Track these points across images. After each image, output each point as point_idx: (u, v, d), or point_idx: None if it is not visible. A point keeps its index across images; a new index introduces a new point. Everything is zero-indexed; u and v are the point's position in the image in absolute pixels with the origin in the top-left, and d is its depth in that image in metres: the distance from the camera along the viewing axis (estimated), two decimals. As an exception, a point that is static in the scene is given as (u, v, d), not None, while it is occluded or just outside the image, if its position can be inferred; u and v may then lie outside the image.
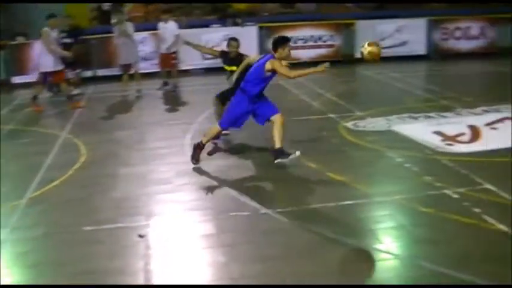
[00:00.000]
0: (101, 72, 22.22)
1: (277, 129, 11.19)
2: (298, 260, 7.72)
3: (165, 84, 19.96)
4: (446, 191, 9.85)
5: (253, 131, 13.17)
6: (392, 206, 9.51)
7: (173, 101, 18.41)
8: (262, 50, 23.10)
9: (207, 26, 23.62)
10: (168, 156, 12.31)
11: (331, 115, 14.87)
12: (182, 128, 14.39)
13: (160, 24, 19.82)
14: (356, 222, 8.86)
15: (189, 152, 12.14)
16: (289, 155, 11.07)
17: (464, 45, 25.94)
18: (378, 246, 8.18)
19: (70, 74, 19.37)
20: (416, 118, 14.44)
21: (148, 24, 22.38)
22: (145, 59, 21.72)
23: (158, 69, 21.12)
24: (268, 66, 10.88)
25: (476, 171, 10.74)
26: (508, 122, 14.00)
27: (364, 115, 14.77)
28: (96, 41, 22.16)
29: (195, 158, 11.51)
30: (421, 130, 13.44)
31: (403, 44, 24.72)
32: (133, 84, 19.59)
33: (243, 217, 9.09)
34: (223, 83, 17.92)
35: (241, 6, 25.04)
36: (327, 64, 10.87)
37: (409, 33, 24.98)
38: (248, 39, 22.79)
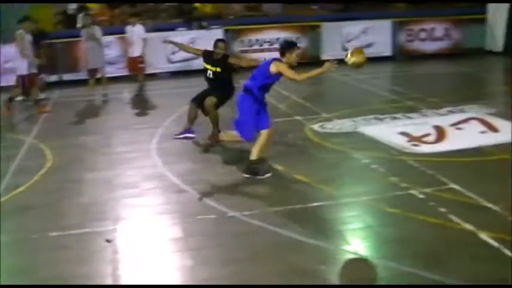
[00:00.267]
0: (67, 76, 22.06)
1: (260, 143, 11.02)
2: (265, 263, 7.74)
3: (142, 87, 19.84)
4: (413, 192, 9.92)
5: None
6: (359, 207, 9.57)
7: (140, 105, 18.34)
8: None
9: (173, 29, 23.54)
10: (135, 161, 12.27)
11: (298, 117, 14.90)
12: (149, 132, 14.35)
13: (128, 28, 19.74)
14: (323, 224, 8.90)
15: (155, 156, 12.16)
16: (257, 173, 10.93)
17: (429, 46, 26.10)
18: (346, 247, 8.22)
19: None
20: (382, 119, 14.52)
21: (114, 28, 22.29)
22: (111, 63, 21.60)
23: (126, 73, 21.06)
24: (273, 68, 10.62)
25: (441, 171, 10.83)
26: (473, 122, 14.12)
27: (330, 117, 14.81)
28: (61, 45, 22.00)
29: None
30: (387, 131, 13.52)
31: (369, 45, 24.76)
32: (99, 88, 19.49)
33: (211, 220, 9.09)
34: (190, 86, 17.94)
35: (207, 9, 25.00)
36: (334, 62, 10.46)
37: (374, 35, 25.08)
38: (210, 42, 22.81)
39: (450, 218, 8.84)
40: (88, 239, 8.61)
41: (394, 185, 10.30)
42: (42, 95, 18.73)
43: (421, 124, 14.01)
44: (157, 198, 10.22)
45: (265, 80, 10.80)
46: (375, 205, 9.55)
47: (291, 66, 10.74)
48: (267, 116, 11.17)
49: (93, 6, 23.90)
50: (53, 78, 21.64)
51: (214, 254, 8.06)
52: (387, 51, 25.16)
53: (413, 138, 12.92)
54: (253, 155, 10.97)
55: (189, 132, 13.61)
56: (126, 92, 19.89)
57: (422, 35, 26.05)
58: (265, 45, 23.83)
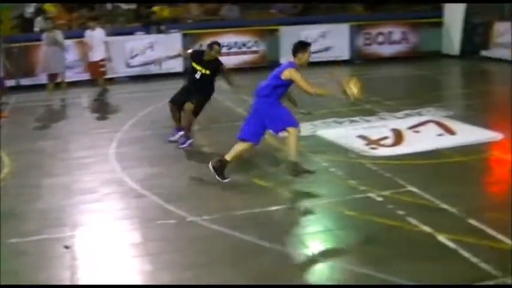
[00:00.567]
0: (24, 81, 21.88)
1: (293, 142, 10.53)
2: (225, 267, 7.74)
3: (104, 91, 19.66)
4: (371, 194, 9.99)
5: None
6: (318, 210, 9.60)
7: (99, 110, 18.22)
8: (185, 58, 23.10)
9: (131, 33, 23.47)
10: (93, 166, 12.21)
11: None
12: (108, 136, 14.27)
13: (87, 32, 19.50)
14: (282, 228, 8.93)
15: (114, 160, 12.11)
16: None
17: (387, 49, 26.31)
18: (305, 250, 8.26)
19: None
20: (340, 123, 14.60)
21: (71, 32, 22.12)
22: (69, 67, 21.42)
23: (85, 78, 20.96)
24: (286, 74, 10.45)
25: (399, 174, 10.92)
26: (430, 125, 14.24)
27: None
28: (18, 49, 21.80)
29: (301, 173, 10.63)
30: (346, 134, 13.59)
31: (327, 49, 24.94)
32: (58, 93, 19.33)
33: (170, 225, 9.07)
34: (149, 91, 17.92)
35: (165, 13, 24.95)
36: (351, 97, 10.42)
37: (332, 39, 25.22)
38: (172, 46, 22.75)
39: (408, 220, 8.91)
40: (46, 245, 8.54)
41: (353, 188, 10.36)
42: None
43: (379, 127, 14.12)
44: (116, 203, 10.17)
45: (277, 82, 10.59)
46: (333, 208, 9.60)
47: (303, 67, 10.67)
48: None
49: (51, 10, 23.70)
50: (10, 83, 21.41)
51: (174, 258, 8.05)
52: (345, 55, 25.32)
53: (371, 142, 13.01)
54: (292, 156, 10.58)
55: (179, 131, 13.52)
56: (85, 96, 19.76)
57: (380, 38, 26.27)
58: (224, 50, 23.75)
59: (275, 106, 10.61)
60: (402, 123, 14.44)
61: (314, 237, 8.72)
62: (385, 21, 26.55)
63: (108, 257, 8.17)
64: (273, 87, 10.58)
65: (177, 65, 22.95)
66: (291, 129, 10.43)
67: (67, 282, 7.48)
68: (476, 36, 26.35)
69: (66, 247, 8.39)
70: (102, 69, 19.47)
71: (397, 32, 26.50)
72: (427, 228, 8.60)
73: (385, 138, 13.26)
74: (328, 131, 13.93)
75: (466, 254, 7.79)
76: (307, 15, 26.67)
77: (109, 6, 25.56)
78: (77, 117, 17.08)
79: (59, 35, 19.05)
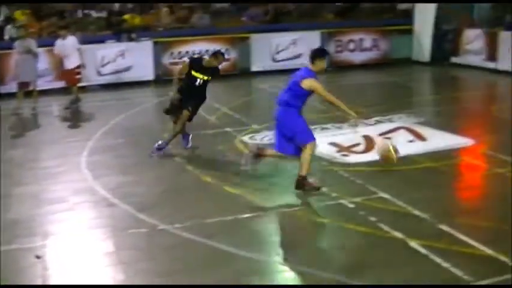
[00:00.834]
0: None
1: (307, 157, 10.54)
2: (197, 275, 7.74)
3: (77, 100, 19.50)
4: (343, 201, 10.03)
5: (151, 146, 13.16)
6: (289, 217, 9.64)
7: (70, 118, 18.07)
8: (157, 64, 23.04)
9: (102, 41, 23.35)
10: (64, 175, 12.12)
11: (228, 129, 14.91)
12: (79, 145, 14.16)
13: (58, 41, 19.26)
14: (254, 235, 8.95)
15: (85, 169, 12.06)
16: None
17: (358, 56, 26.37)
18: (276, 257, 8.28)
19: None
20: (312, 130, 14.57)
21: (42, 41, 21.94)
22: (39, 75, 21.23)
23: (55, 86, 20.82)
24: (307, 84, 10.41)
25: (371, 180, 10.97)
26: (401, 132, 14.31)
27: (260, 128, 14.85)
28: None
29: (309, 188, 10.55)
30: (317, 142, 13.55)
31: (298, 56, 24.96)
32: (30, 101, 19.14)
33: (142, 234, 9.05)
34: (121, 99, 17.88)
35: (136, 21, 24.86)
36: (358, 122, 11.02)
37: (303, 46, 25.18)
38: (143, 54, 22.75)
39: (380, 227, 8.96)
40: (18, 255, 8.48)
41: (325, 195, 10.38)
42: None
43: (350, 134, 14.13)
44: (87, 212, 10.11)
45: (298, 90, 10.49)
46: (305, 215, 9.65)
47: (319, 74, 10.70)
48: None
49: (21, 18, 23.53)
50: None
51: (146, 267, 8.04)
52: (316, 62, 25.38)
53: (342, 149, 13.05)
54: (303, 171, 10.50)
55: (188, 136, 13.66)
56: (56, 105, 19.61)
57: (351, 45, 26.32)
58: (195, 57, 23.78)
59: (295, 118, 10.55)
60: (373, 130, 14.48)
61: (286, 244, 8.75)
62: (356, 29, 26.62)
63: (80, 267, 8.13)
64: (294, 96, 10.49)
65: (148, 73, 22.89)
66: (308, 145, 10.49)
67: (38, 293, 7.44)
68: (446, 43, 26.54)
69: (38, 257, 8.34)
70: (78, 76, 19.32)
71: (368, 39, 26.58)
72: (398, 234, 8.65)
73: (357, 145, 13.31)
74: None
75: (437, 259, 7.86)
76: (278, 23, 26.70)
77: (79, 14, 25.44)
78: (48, 126, 16.95)
79: (32, 43, 18.89)
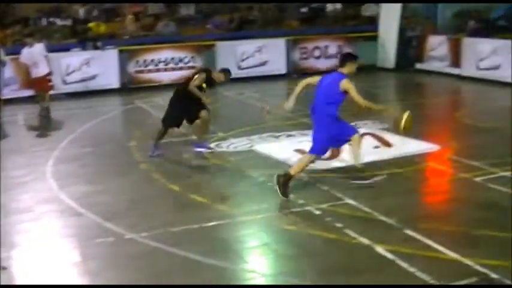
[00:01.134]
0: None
1: (355, 148, 11.07)
2: (164, 284, 7.70)
3: (47, 109, 19.27)
4: (309, 208, 10.05)
5: (117, 154, 13.12)
6: (256, 224, 9.65)
7: (35, 128, 17.91)
8: (123, 73, 22.97)
9: (67, 49, 23.23)
10: (29, 184, 12.03)
11: (194, 137, 14.86)
12: (44, 154, 14.06)
13: (25, 50, 18.99)
14: (220, 243, 8.93)
15: (51, 179, 11.98)
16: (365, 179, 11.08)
17: (323, 63, 26.44)
18: (243, 265, 8.28)
19: None
20: (277, 137, 14.64)
21: (7, 49, 21.73)
22: (5, 84, 21.03)
23: (20, 95, 20.67)
24: (344, 85, 10.68)
25: (337, 186, 11.03)
26: (366, 138, 14.34)
27: (226, 136, 14.84)
28: None
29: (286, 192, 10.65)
30: (283, 149, 13.64)
31: (264, 63, 25.04)
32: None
33: (108, 243, 9.00)
34: (87, 107, 17.81)
35: (101, 29, 24.79)
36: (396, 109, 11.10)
37: (269, 53, 25.31)
38: (108, 62, 22.67)
39: (346, 233, 8.99)
40: (-18, 267, 8.41)
41: (291, 202, 10.41)
42: None
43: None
44: (53, 222, 10.05)
45: (337, 92, 10.76)
46: (271, 222, 9.65)
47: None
48: (346, 125, 11.29)
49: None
50: None
51: (113, 277, 8.00)
52: (282, 69, 25.39)
53: (308, 155, 13.07)
54: (357, 161, 11.04)
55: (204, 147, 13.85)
56: (21, 114, 19.47)
57: (316, 52, 26.43)
58: (161, 65, 23.77)
59: (335, 121, 10.92)
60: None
61: (253, 251, 8.77)
62: (321, 36, 26.75)
63: (47, 277, 8.06)
64: (333, 99, 10.81)
65: (114, 81, 22.82)
66: (353, 138, 10.90)
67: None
68: (410, 49, 26.77)
69: (3, 268, 8.26)
70: (50, 83, 19.11)
71: (333, 46, 26.71)
72: (365, 240, 8.68)
73: (323, 151, 13.33)
74: (265, 146, 13.97)
75: (403, 264, 7.90)
76: (244, 30, 26.75)
77: (44, 22, 25.30)
78: (13, 135, 16.78)
79: (1, 52, 18.72)
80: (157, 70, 23.64)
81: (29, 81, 19.76)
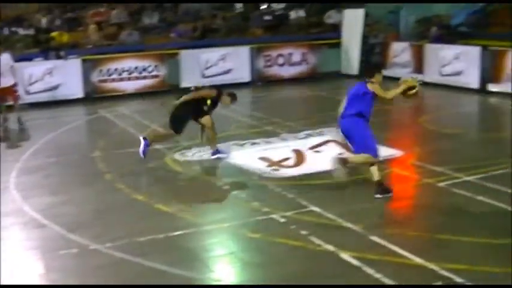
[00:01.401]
0: None
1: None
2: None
3: (5, 119, 19.01)
4: (274, 216, 10.05)
5: (81, 164, 13.03)
6: (221, 233, 9.63)
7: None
8: (86, 82, 22.82)
9: (29, 59, 23.04)
10: (-8, 196, 11.91)
11: (158, 146, 14.79)
12: (7, 165, 13.86)
13: None
14: (186, 252, 8.91)
15: (14, 190, 11.88)
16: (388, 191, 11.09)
17: (287, 71, 26.50)
18: (210, 275, 8.28)
19: None
20: (242, 145, 14.63)
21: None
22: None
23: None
24: (370, 88, 11.08)
25: (301, 194, 11.05)
26: (331, 145, 14.41)
27: (190, 145, 14.76)
28: None
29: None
30: (247, 156, 13.65)
31: (228, 72, 25.02)
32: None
33: (73, 254, 8.94)
34: (49, 117, 17.68)
35: (64, 38, 24.63)
36: (417, 79, 11.59)
37: (232, 61, 25.30)
38: (72, 72, 22.50)
39: (311, 240, 9.01)
40: None
41: (256, 210, 10.41)
42: None
43: (281, 148, 14.22)
44: (17, 234, 9.93)
45: (370, 105, 11.19)
46: (237, 231, 9.65)
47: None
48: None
49: None
50: None
51: (77, 288, 7.95)
52: (246, 77, 25.37)
53: (273, 163, 13.09)
54: (376, 176, 11.06)
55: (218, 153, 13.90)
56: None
57: (280, 60, 26.44)
58: (124, 74, 23.63)
59: (365, 127, 11.18)
60: (303, 143, 14.57)
61: (219, 260, 8.75)
62: (284, 43, 26.78)
63: (10, 290, 8.00)
64: (363, 105, 11.16)
65: (77, 91, 22.66)
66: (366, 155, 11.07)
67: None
68: (374, 56, 26.90)
69: (-35, 281, 8.18)
70: (16, 93, 18.91)
71: (297, 54, 26.75)
72: (330, 247, 8.71)
73: (287, 159, 13.38)
74: (230, 154, 13.94)
75: (369, 271, 7.94)
76: (207, 39, 26.75)
77: (6, 31, 25.08)
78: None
79: None
80: (121, 79, 23.51)
81: None
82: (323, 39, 27.51)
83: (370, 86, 11.08)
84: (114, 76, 23.49)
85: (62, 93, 22.39)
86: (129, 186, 11.87)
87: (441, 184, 11.49)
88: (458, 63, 22.61)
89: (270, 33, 28.07)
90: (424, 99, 21.23)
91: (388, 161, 13.14)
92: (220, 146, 14.03)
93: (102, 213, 10.72)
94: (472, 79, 22.00)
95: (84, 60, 23.15)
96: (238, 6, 28.84)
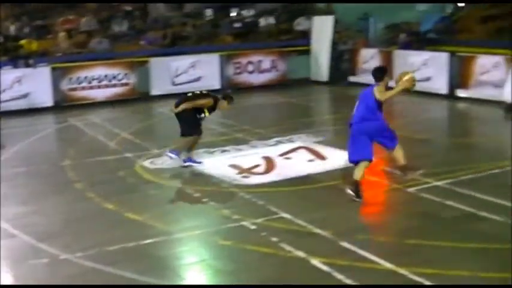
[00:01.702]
0: None
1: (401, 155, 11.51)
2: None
3: None
4: (244, 223, 10.07)
5: (51, 174, 12.97)
6: (192, 241, 9.64)
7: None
8: (56, 90, 22.69)
9: (-2, 67, 22.89)
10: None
11: (128, 154, 14.78)
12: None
13: None
14: (157, 261, 8.89)
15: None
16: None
17: (257, 78, 26.54)
18: (180, 282, 8.27)
19: None
20: (212, 153, 14.61)
21: None
22: None
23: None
24: (374, 91, 11.29)
25: (272, 201, 11.06)
26: (301, 151, 14.46)
27: (160, 152, 14.74)
28: None
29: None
30: (218, 164, 13.65)
31: (198, 79, 25.01)
32: None
33: (43, 265, 8.88)
34: (18, 126, 17.58)
35: (33, 46, 24.48)
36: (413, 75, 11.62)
37: (202, 69, 25.29)
38: (41, 80, 22.36)
39: (282, 247, 9.03)
40: None
41: (226, 218, 10.42)
42: None
43: (251, 155, 14.23)
44: (-16, 244, 9.88)
45: (379, 109, 11.32)
46: (208, 238, 9.65)
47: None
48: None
49: None
50: None
51: (47, 298, 7.91)
52: (216, 85, 25.33)
53: (243, 170, 13.11)
54: (357, 176, 11.20)
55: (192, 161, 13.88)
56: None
57: (250, 67, 26.47)
58: (94, 83, 23.54)
59: (384, 125, 11.47)
60: (273, 150, 14.60)
61: (189, 268, 8.77)
62: (254, 50, 26.83)
63: (-21, 301, 7.95)
64: (373, 108, 11.29)
65: (47, 99, 22.52)
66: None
67: None
68: (343, 62, 27.05)
69: None
70: None
71: (266, 61, 26.80)
72: (300, 254, 8.74)
73: (257, 166, 13.40)
74: (202, 162, 13.94)
75: (339, 276, 7.99)
76: (177, 46, 26.72)
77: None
78: None
79: None
80: (91, 87, 23.41)
81: None
82: (293, 46, 27.64)
83: (375, 88, 11.33)
84: (84, 84, 23.39)
85: (31, 102, 22.23)
86: (100, 195, 11.82)
87: (411, 189, 11.56)
88: (427, 69, 22.75)
89: (240, 40, 28.11)
90: (393, 105, 21.41)
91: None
92: (190, 154, 14.02)
93: (72, 223, 10.67)
94: (440, 85, 22.18)
95: (53, 68, 23.03)
96: (208, 13, 28.80)
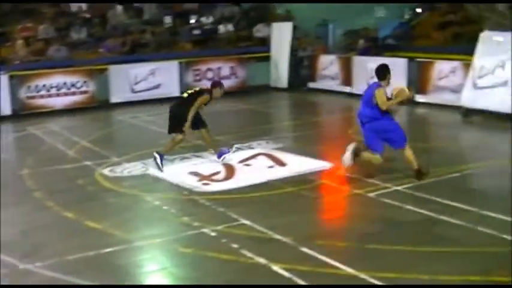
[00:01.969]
0: None
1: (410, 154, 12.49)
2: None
3: None
4: (205, 230, 10.05)
5: (9, 183, 12.85)
6: (152, 249, 9.60)
7: None
8: (14, 99, 22.51)
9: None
10: None
11: (87, 162, 14.70)
12: None
13: None
14: (118, 269, 8.85)
15: None
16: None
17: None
18: (141, 291, 8.23)
19: None
20: (171, 160, 14.53)
21: None
22: None
23: None
24: (376, 92, 12.03)
25: (232, 208, 11.06)
26: (260, 158, 14.48)
27: (120, 160, 14.72)
28: None
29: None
30: (177, 171, 13.62)
31: (157, 86, 24.97)
32: None
33: (2, 275, 8.74)
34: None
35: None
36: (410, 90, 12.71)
37: (162, 76, 25.26)
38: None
39: (243, 253, 9.04)
40: None
41: (187, 225, 10.40)
42: None
43: (211, 162, 14.21)
44: None
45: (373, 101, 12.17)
46: (168, 246, 9.63)
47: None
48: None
49: None
50: None
51: (6, 308, 7.84)
52: (175, 92, 25.20)
53: (203, 177, 13.08)
54: (415, 165, 12.40)
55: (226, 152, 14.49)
56: None
57: (209, 74, 26.47)
58: (53, 91, 23.40)
59: (390, 124, 12.42)
60: (233, 157, 14.57)
61: (150, 276, 8.74)
62: (214, 57, 26.86)
63: None
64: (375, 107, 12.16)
65: (5, 108, 22.29)
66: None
67: None
68: (303, 69, 27.19)
69: None
70: None
71: (225, 68, 26.86)
72: (261, 260, 8.75)
73: (217, 173, 13.39)
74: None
75: (300, 282, 8.01)
76: (136, 54, 26.65)
77: None
78: None
79: None
80: (50, 95, 23.28)
81: None
82: (252, 53, 27.72)
83: (376, 90, 12.03)
84: (43, 92, 23.25)
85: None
86: (59, 203, 11.73)
87: (371, 194, 11.63)
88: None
89: (199, 47, 28.12)
90: (352, 111, 21.55)
91: (318, 173, 13.26)
92: (150, 161, 13.98)
93: (31, 232, 10.57)
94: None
95: (11, 77, 22.85)
96: (167, 21, 28.74)
